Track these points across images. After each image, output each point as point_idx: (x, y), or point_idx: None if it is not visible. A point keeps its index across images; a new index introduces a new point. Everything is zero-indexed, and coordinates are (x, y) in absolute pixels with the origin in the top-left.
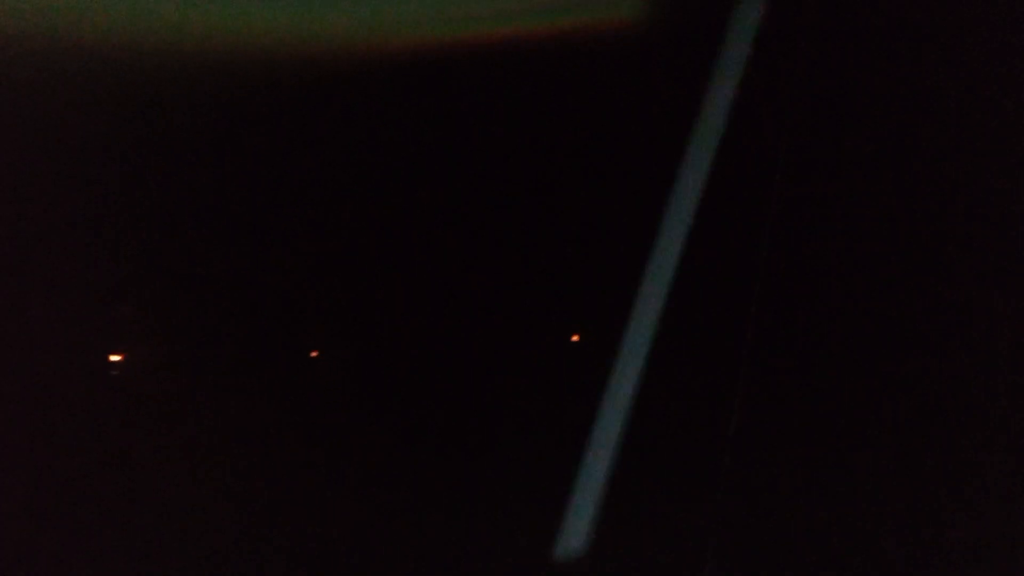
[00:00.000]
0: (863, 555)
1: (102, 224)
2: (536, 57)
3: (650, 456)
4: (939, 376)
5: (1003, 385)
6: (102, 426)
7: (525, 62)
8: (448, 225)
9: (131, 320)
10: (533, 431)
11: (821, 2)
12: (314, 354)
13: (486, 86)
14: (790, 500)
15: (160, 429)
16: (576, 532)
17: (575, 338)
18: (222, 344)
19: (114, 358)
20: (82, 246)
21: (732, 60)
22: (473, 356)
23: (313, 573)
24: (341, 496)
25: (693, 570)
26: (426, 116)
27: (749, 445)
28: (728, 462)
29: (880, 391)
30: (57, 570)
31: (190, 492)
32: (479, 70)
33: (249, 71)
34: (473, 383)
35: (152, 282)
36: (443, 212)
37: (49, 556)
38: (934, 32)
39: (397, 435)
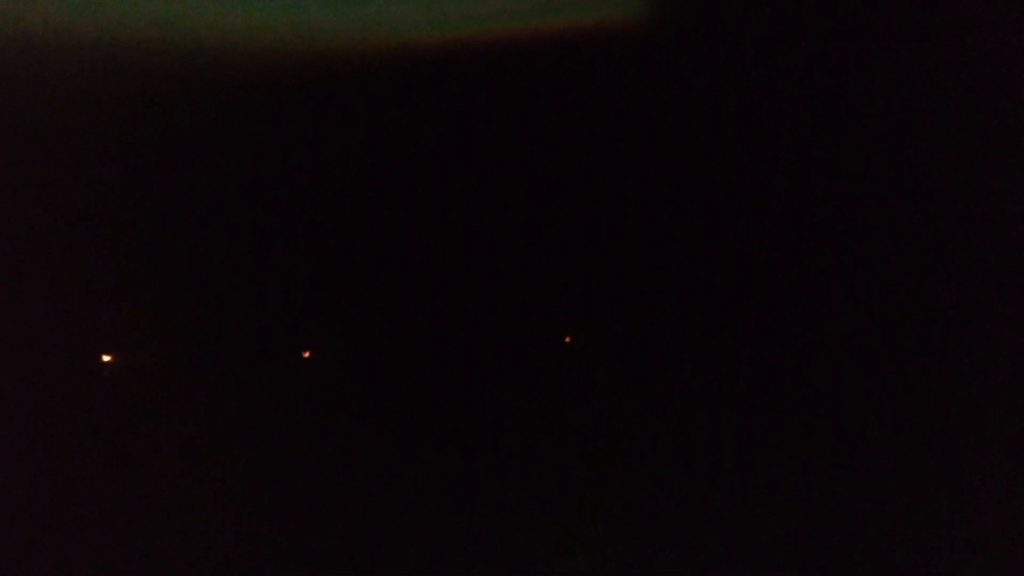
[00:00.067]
0: (863, 555)
1: (98, 223)
2: (536, 57)
3: (650, 456)
4: (939, 376)
5: (1003, 385)
6: (98, 424)
7: (525, 62)
8: (447, 225)
9: (128, 319)
10: (533, 431)
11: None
12: (306, 354)
13: (486, 86)
14: (790, 500)
15: (157, 428)
16: (576, 532)
17: (568, 339)
18: (218, 344)
19: (108, 357)
20: (79, 245)
21: (732, 60)
22: (473, 356)
23: (309, 572)
24: (336, 494)
25: (693, 570)
26: (426, 116)
27: (749, 445)
28: (728, 462)
29: (880, 391)
30: (55, 567)
31: (186, 490)
32: (479, 70)
33: (248, 71)
34: (473, 383)
35: (149, 282)
36: (442, 212)
37: (47, 554)
38: (934, 32)
39: (395, 434)
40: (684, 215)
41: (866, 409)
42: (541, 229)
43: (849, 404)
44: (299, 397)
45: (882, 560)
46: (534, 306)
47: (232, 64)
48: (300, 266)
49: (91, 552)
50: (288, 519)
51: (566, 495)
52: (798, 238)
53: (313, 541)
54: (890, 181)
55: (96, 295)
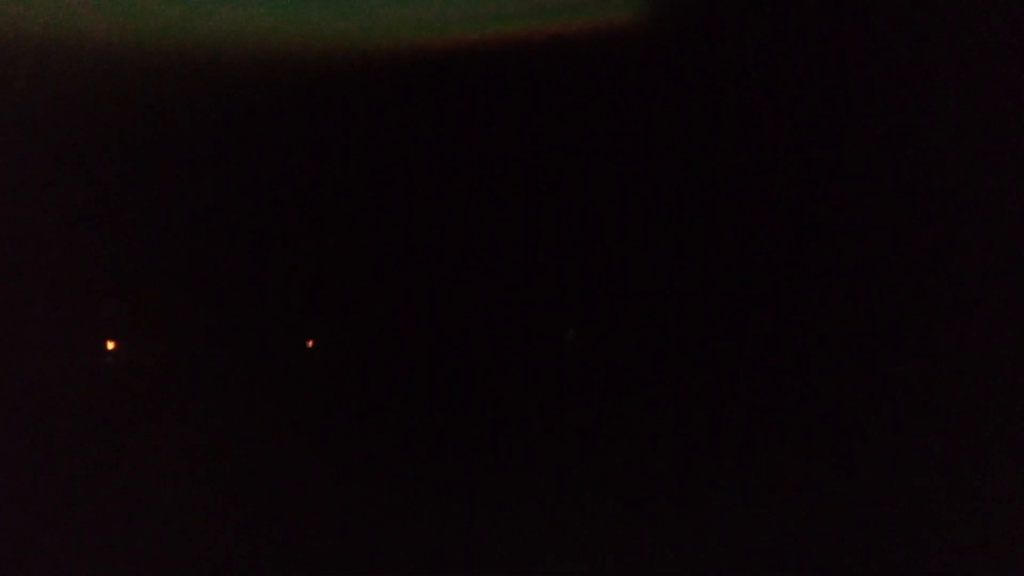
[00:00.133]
0: (863, 555)
1: (97, 222)
2: (537, 58)
3: (651, 456)
4: (939, 376)
5: (1003, 385)
6: (96, 419)
7: (525, 63)
8: (448, 224)
9: (126, 316)
10: (533, 431)
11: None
12: (310, 344)
13: (486, 87)
14: (790, 500)
15: (155, 425)
16: (576, 532)
17: (571, 335)
18: (217, 342)
19: (107, 354)
20: (77, 244)
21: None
22: (473, 357)
23: (308, 571)
24: (334, 492)
25: (693, 570)
26: (426, 116)
27: (749, 445)
28: (728, 462)
29: (880, 391)
30: (54, 564)
31: (183, 487)
32: (479, 70)
33: (247, 71)
34: (473, 383)
35: (148, 279)
36: (444, 211)
37: (46, 553)
38: (934, 32)
39: (394, 432)
40: (684, 215)
41: (866, 409)
42: (542, 229)
43: (849, 404)
44: (298, 395)
45: (882, 560)
46: (535, 306)
47: (231, 63)
48: (299, 264)
49: (90, 550)
50: (287, 517)
51: (566, 495)
52: (798, 238)
53: (310, 539)
54: (890, 181)
55: (94, 292)
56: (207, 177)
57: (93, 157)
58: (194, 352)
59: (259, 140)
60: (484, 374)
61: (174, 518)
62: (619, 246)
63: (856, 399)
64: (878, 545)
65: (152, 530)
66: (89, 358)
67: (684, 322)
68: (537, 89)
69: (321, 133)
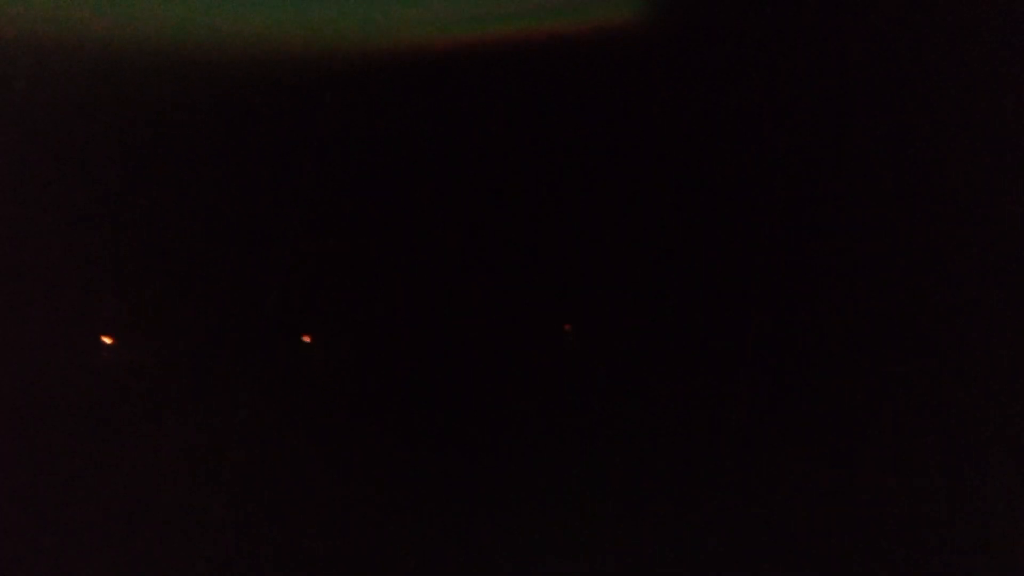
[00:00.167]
0: (863, 555)
1: (95, 220)
2: (537, 58)
3: (650, 456)
4: (939, 376)
5: (1003, 385)
6: (93, 417)
7: (525, 63)
8: (449, 225)
9: (122, 313)
10: (532, 431)
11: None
12: (306, 339)
13: (485, 86)
14: (790, 500)
15: (151, 423)
16: (575, 532)
17: (567, 328)
18: (213, 339)
19: (104, 350)
20: (75, 242)
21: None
22: (473, 357)
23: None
24: (330, 490)
25: (693, 570)
26: (426, 116)
27: (749, 445)
28: (728, 462)
29: (880, 391)
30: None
31: (180, 486)
32: (480, 71)
33: (246, 71)
34: (473, 383)
35: (145, 276)
36: (443, 212)
37: (45, 552)
38: (934, 32)
39: (391, 430)
40: (684, 215)
41: (866, 409)
42: (542, 228)
43: (849, 404)
44: (294, 392)
45: (882, 560)
46: (535, 306)
47: (229, 63)
48: (297, 262)
49: (88, 550)
50: (283, 517)
51: (565, 494)
52: (798, 238)
53: (305, 538)
54: (890, 181)
55: (93, 290)
56: (207, 176)
57: (91, 155)
58: (193, 351)
59: (258, 139)
60: (483, 373)
61: (172, 518)
62: (619, 246)
63: (856, 399)
64: (878, 545)
65: (149, 529)
66: (87, 356)
67: (684, 322)
68: (537, 89)
69: (320, 133)
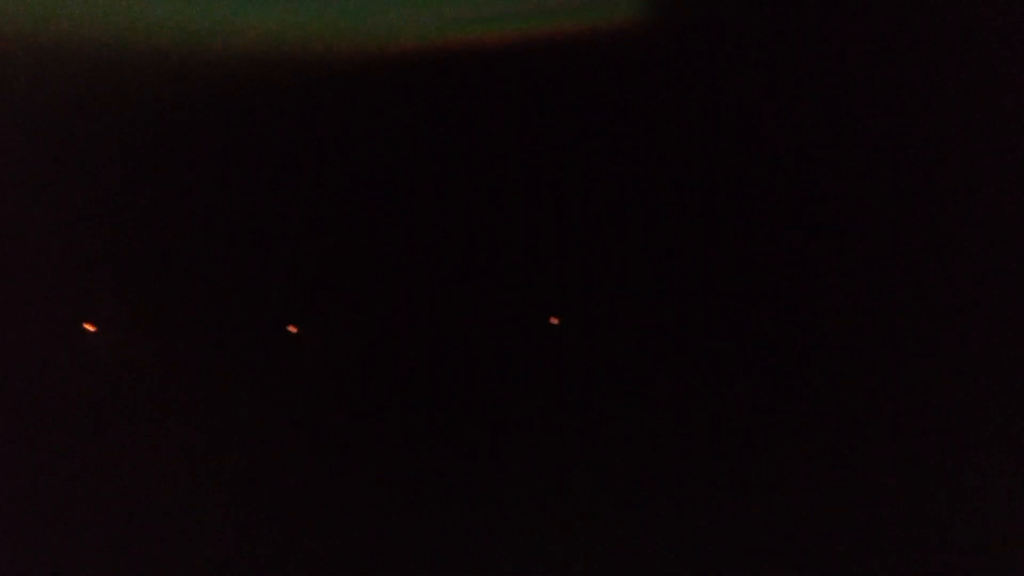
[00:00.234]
0: (863, 555)
1: (94, 220)
2: (537, 59)
3: (650, 455)
4: (939, 376)
5: (1003, 385)
6: (91, 418)
7: (525, 64)
8: (448, 226)
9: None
10: (531, 431)
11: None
12: (293, 329)
13: (486, 87)
14: (790, 500)
15: (149, 422)
16: (575, 532)
17: (555, 321)
18: (212, 339)
19: (97, 342)
20: (74, 241)
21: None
22: (472, 356)
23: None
24: (322, 487)
25: (693, 570)
26: (426, 116)
27: (749, 445)
28: (728, 462)
29: (880, 391)
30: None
31: (172, 483)
32: (480, 71)
33: (246, 71)
34: (472, 383)
35: (146, 278)
36: (442, 212)
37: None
38: (934, 32)
39: (386, 427)
40: (685, 215)
41: (866, 409)
42: (542, 228)
43: (849, 404)
44: (292, 391)
45: (882, 560)
46: (535, 306)
47: (231, 63)
48: (296, 261)
49: (86, 548)
50: (281, 515)
51: (565, 494)
52: (798, 238)
53: (301, 537)
54: (890, 181)
55: (91, 288)
56: (206, 176)
57: (91, 155)
58: (192, 350)
59: (258, 139)
60: (483, 373)
61: (170, 517)
62: (619, 246)
63: (856, 399)
64: (878, 545)
65: (146, 529)
66: (86, 355)
67: (685, 322)
68: (537, 89)
69: (320, 133)
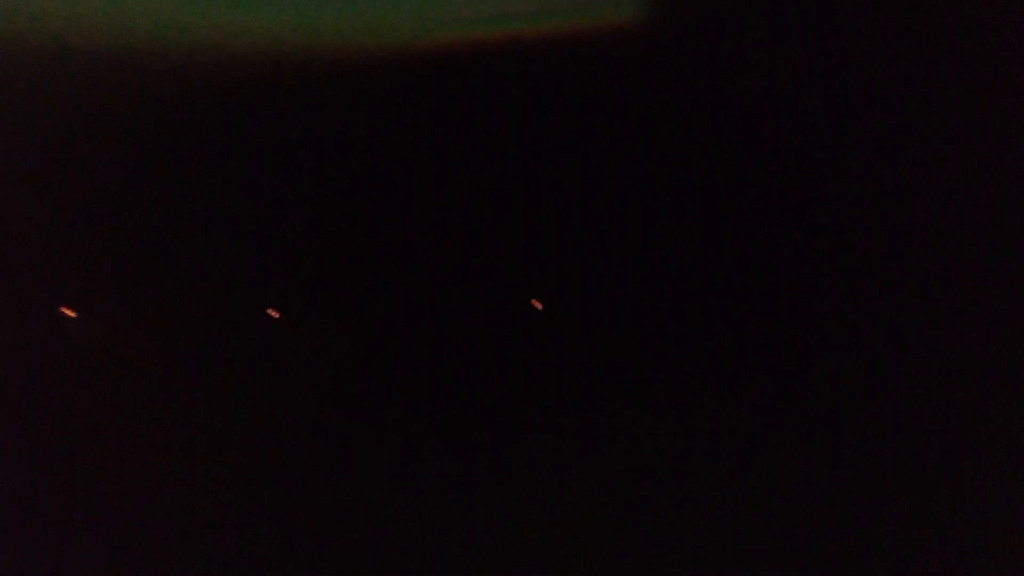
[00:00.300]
0: (863, 555)
1: (94, 219)
2: (537, 59)
3: (649, 455)
4: (939, 376)
5: (1003, 385)
6: (90, 416)
7: (525, 64)
8: (447, 226)
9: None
10: (530, 431)
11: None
12: (275, 314)
13: (486, 87)
14: (790, 500)
15: (148, 421)
16: (574, 532)
17: (538, 305)
18: (211, 337)
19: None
20: (74, 240)
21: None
22: (471, 355)
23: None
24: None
25: (693, 570)
26: (425, 116)
27: (749, 445)
28: (728, 462)
29: (880, 391)
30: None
31: (177, 487)
32: (479, 71)
33: (245, 71)
34: (472, 382)
35: (145, 276)
36: (443, 211)
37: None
38: (933, 32)
39: (381, 424)
40: (685, 215)
41: (866, 409)
42: (542, 228)
43: (849, 403)
44: (289, 390)
45: (882, 560)
46: (535, 306)
47: (230, 63)
48: (294, 260)
49: (85, 548)
50: (279, 515)
51: (564, 494)
52: (798, 237)
53: (299, 537)
54: (890, 180)
55: (91, 287)
56: (206, 175)
57: (91, 155)
58: (191, 348)
59: (258, 139)
60: (482, 373)
61: (168, 516)
62: (619, 246)
63: (856, 399)
64: (878, 545)
65: (146, 528)
66: (85, 354)
67: (685, 322)
68: (537, 90)
69: (320, 133)
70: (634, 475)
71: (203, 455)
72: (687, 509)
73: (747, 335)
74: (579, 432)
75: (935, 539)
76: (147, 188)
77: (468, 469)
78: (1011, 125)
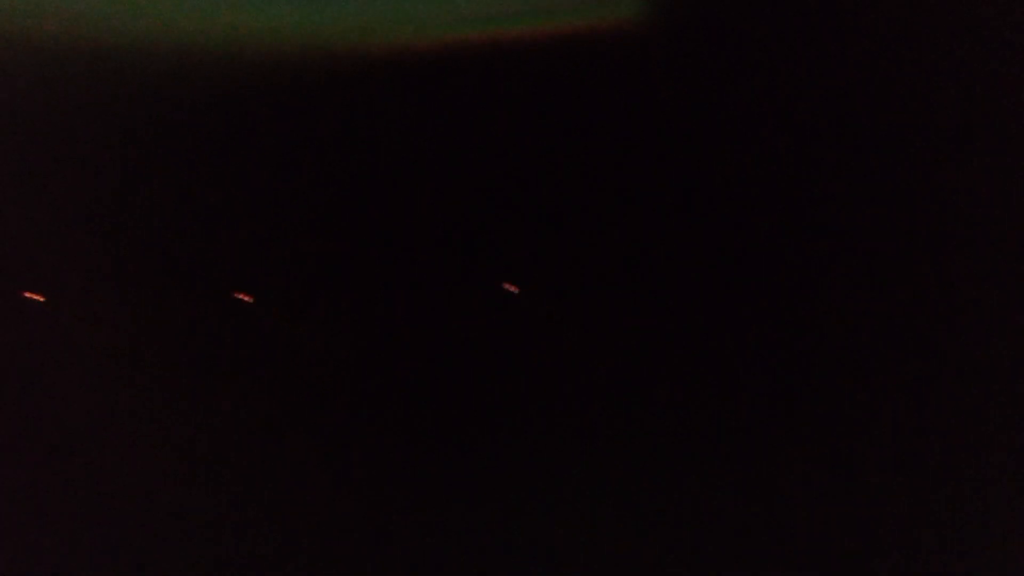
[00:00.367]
0: (863, 555)
1: (93, 219)
2: (537, 59)
3: (649, 455)
4: (939, 376)
5: (1003, 385)
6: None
7: (525, 64)
8: (447, 226)
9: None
10: (530, 431)
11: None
12: (246, 297)
13: (486, 86)
14: (790, 500)
15: (147, 419)
16: (574, 531)
17: (514, 289)
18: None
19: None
20: (74, 240)
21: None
22: (471, 355)
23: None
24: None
25: (693, 570)
26: (425, 116)
27: (749, 445)
28: (728, 462)
29: (881, 390)
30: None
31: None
32: (479, 70)
33: (245, 71)
34: (471, 382)
35: (144, 276)
36: (442, 212)
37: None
38: (933, 32)
39: (375, 421)
40: (685, 215)
41: (867, 409)
42: (542, 229)
43: (849, 403)
44: (284, 385)
45: (882, 560)
46: (536, 306)
47: (230, 63)
48: (293, 259)
49: (84, 548)
50: (278, 515)
51: (564, 494)
52: (798, 237)
53: (300, 537)
54: (891, 180)
55: (91, 285)
56: (206, 175)
57: (91, 155)
58: (191, 347)
59: (258, 139)
60: (483, 372)
61: (168, 516)
62: (619, 246)
63: (856, 399)
64: (878, 545)
65: (145, 528)
66: (85, 354)
67: (685, 322)
68: (537, 89)
69: (320, 133)
70: (634, 475)
71: (203, 455)
72: (687, 509)
73: (747, 335)
74: (579, 432)
75: (935, 539)
76: (146, 188)
77: (468, 469)
78: (1011, 125)
